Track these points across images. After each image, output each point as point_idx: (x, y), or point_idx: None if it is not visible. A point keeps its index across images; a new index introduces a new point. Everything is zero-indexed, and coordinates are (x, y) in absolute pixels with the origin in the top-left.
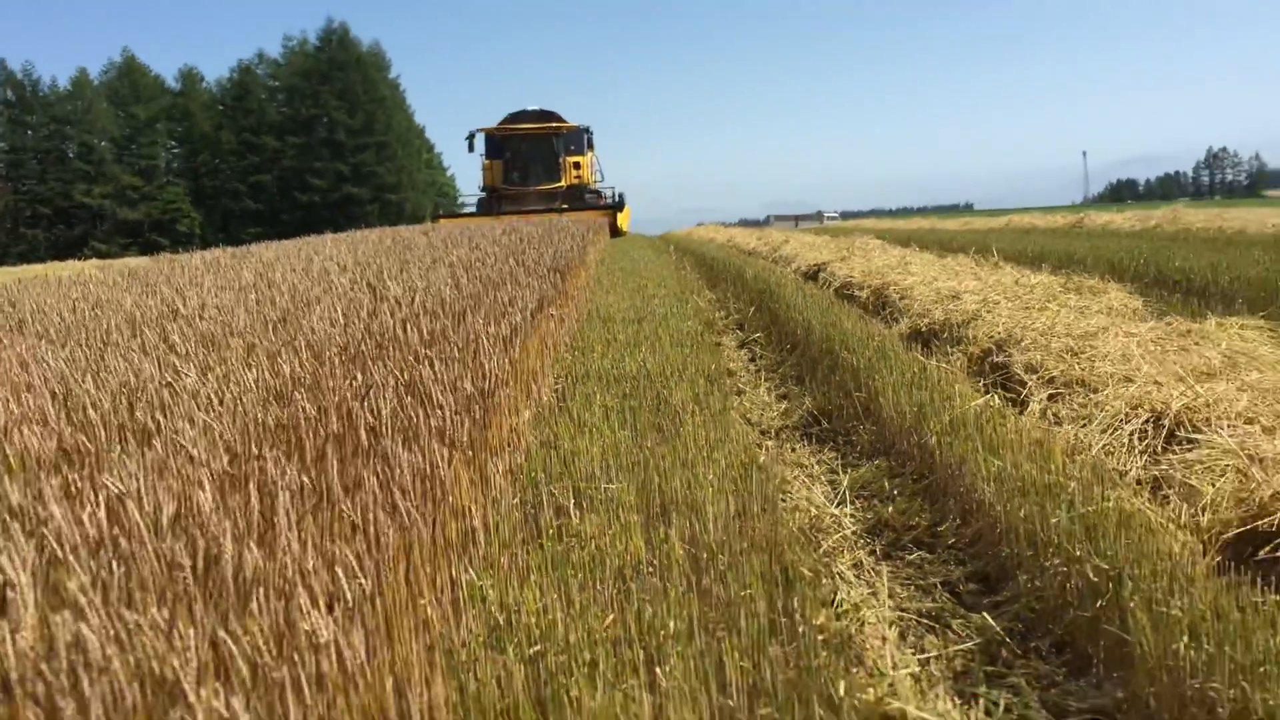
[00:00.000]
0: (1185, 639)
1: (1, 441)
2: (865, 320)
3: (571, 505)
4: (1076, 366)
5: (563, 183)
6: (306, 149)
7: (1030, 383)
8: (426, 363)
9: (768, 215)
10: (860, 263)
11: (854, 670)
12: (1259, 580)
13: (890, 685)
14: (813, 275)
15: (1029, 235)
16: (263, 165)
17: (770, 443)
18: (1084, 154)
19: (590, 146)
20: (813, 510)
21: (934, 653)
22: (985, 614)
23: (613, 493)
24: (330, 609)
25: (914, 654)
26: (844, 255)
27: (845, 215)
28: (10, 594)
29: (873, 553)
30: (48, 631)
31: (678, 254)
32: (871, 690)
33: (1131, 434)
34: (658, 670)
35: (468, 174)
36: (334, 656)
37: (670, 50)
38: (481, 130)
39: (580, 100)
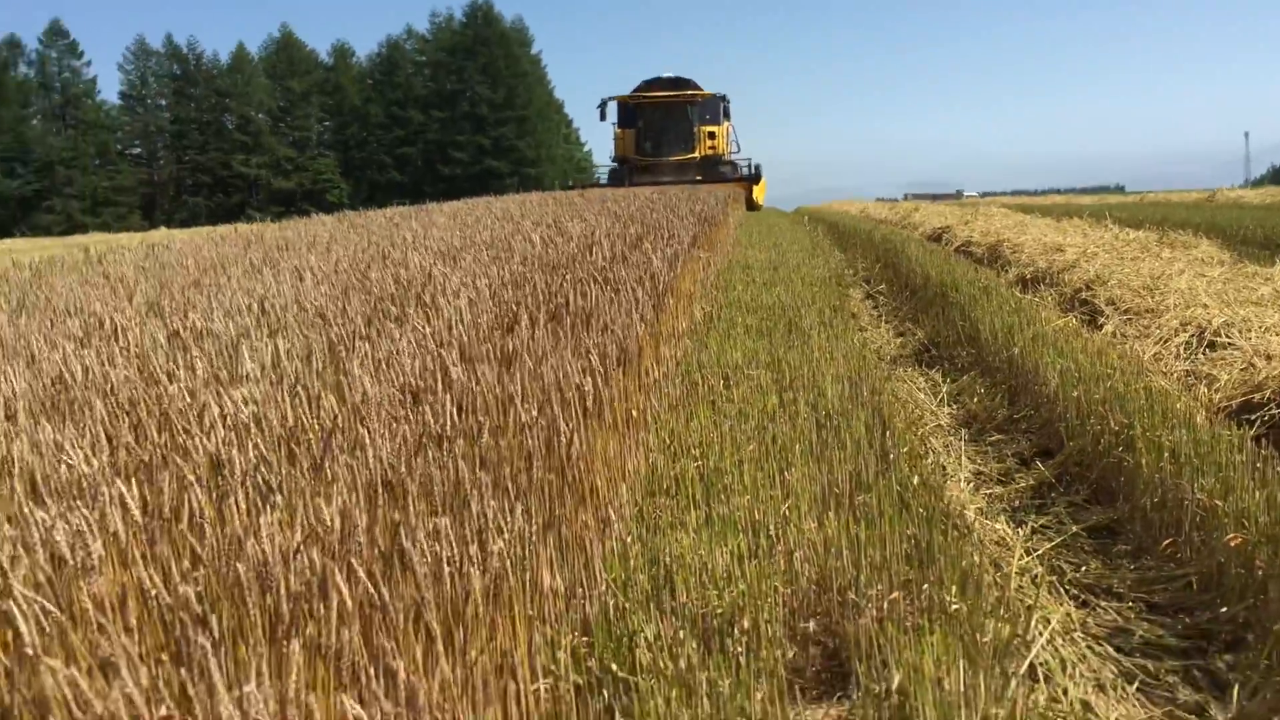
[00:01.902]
0: (1168, 456)
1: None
2: (977, 270)
3: (721, 384)
4: (1150, 299)
5: (697, 153)
6: (450, 123)
7: (1107, 311)
8: (615, 268)
9: (905, 193)
10: (981, 225)
11: (930, 483)
12: (1242, 429)
13: (959, 497)
14: (936, 237)
15: (1155, 207)
16: (408, 138)
17: (886, 365)
18: (1246, 135)
19: (726, 116)
20: (915, 408)
21: (996, 490)
22: (1040, 465)
23: (754, 376)
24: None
25: (981, 496)
26: (967, 220)
27: (985, 195)
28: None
29: (960, 437)
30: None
31: (811, 223)
32: (941, 495)
33: (1179, 344)
34: (786, 474)
35: (603, 146)
36: (590, 401)
37: (812, 19)
38: (614, 98)
39: (717, 69)
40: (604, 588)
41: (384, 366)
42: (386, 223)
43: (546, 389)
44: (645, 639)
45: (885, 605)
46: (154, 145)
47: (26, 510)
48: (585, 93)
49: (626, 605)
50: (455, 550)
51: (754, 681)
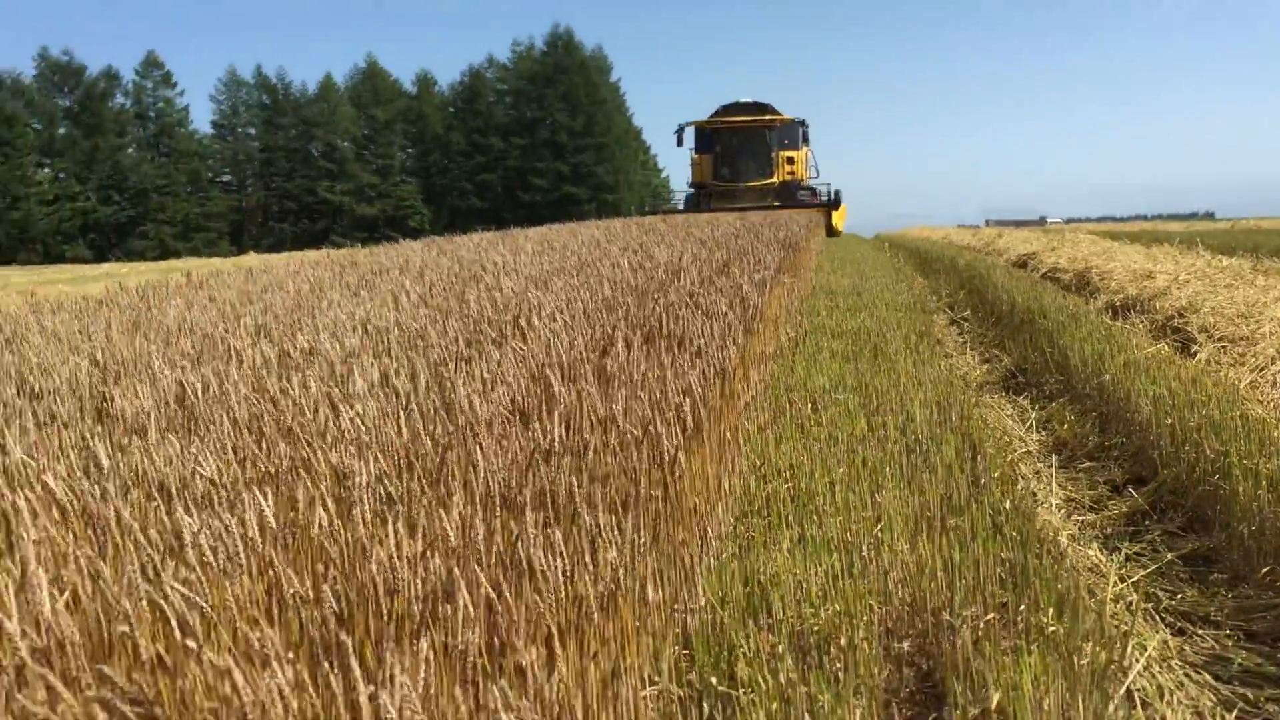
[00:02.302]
0: (1265, 484)
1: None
2: (1064, 297)
3: (808, 408)
4: (1245, 327)
5: (775, 179)
6: (530, 149)
7: (1200, 339)
8: (705, 292)
9: (986, 220)
10: (1068, 252)
11: (1022, 508)
12: None
13: (1051, 523)
14: (1021, 264)
15: (1247, 234)
16: (489, 165)
17: (973, 391)
18: None
19: (805, 141)
20: (1003, 433)
21: (1088, 518)
22: (1133, 492)
23: (841, 400)
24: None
25: (1073, 522)
26: (1053, 246)
27: (1070, 221)
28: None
29: (1049, 464)
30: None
31: (892, 249)
32: (1033, 520)
33: (1275, 372)
34: (878, 496)
35: (679, 172)
36: (689, 421)
37: (890, 43)
38: (691, 123)
39: (796, 93)
40: (704, 602)
41: (489, 386)
42: (474, 248)
43: (649, 408)
44: (744, 653)
45: (982, 626)
46: (243, 173)
47: (178, 516)
48: (663, 118)
49: (725, 620)
50: (568, 560)
51: (852, 699)
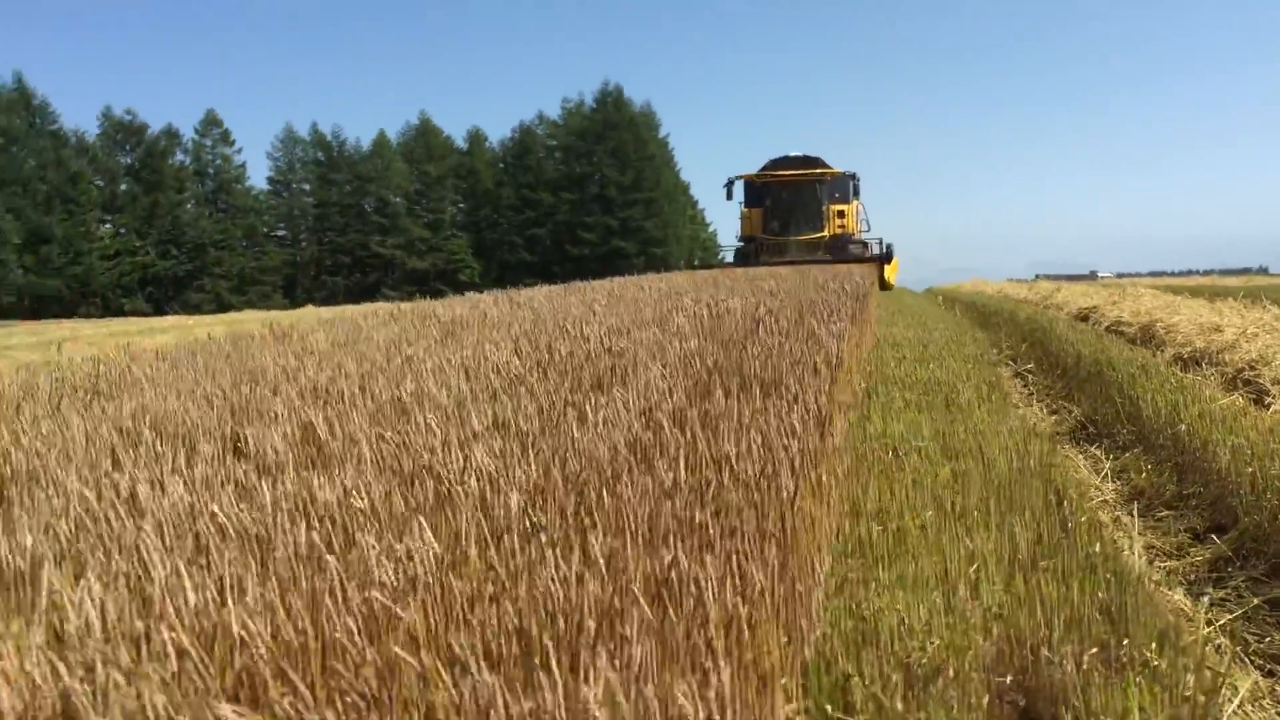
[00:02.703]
0: None
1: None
2: (1131, 350)
3: (890, 454)
4: None
5: (826, 232)
6: (579, 204)
7: (1273, 391)
8: (787, 343)
9: (1036, 274)
10: (1130, 306)
11: (1108, 561)
12: None
13: (1136, 566)
14: (1083, 317)
15: None
16: (538, 219)
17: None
18: None
19: (856, 194)
20: (1079, 483)
21: (1171, 564)
22: (1215, 540)
23: (920, 447)
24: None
25: (1156, 568)
26: (1114, 300)
27: (1121, 276)
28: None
29: (1129, 512)
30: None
31: (946, 303)
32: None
33: None
34: (969, 539)
35: (727, 227)
36: (797, 463)
37: (944, 98)
38: (741, 177)
39: (845, 147)
40: (818, 634)
41: (600, 427)
42: (545, 299)
43: (762, 449)
44: (860, 681)
45: (1085, 659)
46: (297, 227)
47: (361, 540)
48: (710, 172)
49: (837, 649)
50: (716, 584)
51: None
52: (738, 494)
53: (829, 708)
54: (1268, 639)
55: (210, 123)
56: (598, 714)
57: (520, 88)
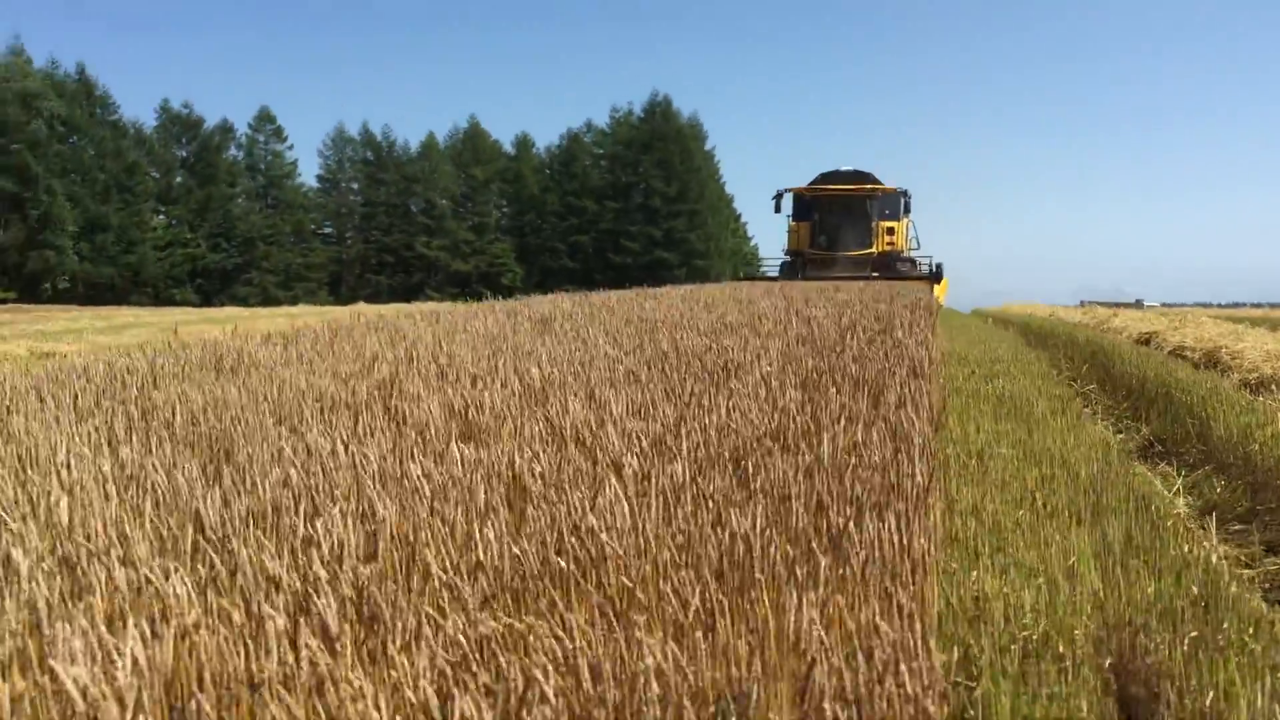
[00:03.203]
0: None
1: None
2: (1197, 373)
3: (974, 461)
4: None
5: (874, 249)
6: (623, 213)
7: None
8: (875, 351)
9: (1080, 300)
10: (1193, 331)
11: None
12: None
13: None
14: (1145, 341)
15: None
16: (582, 226)
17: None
18: None
19: (907, 211)
20: (1155, 494)
21: (1246, 573)
22: None
23: (1003, 454)
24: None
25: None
26: (1176, 326)
27: (1166, 305)
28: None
29: (1203, 526)
30: None
31: (998, 323)
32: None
33: None
34: (1061, 536)
35: (768, 240)
36: (918, 453)
37: (992, 120)
38: (790, 190)
39: (895, 164)
40: (934, 611)
41: (729, 414)
42: (619, 302)
43: (887, 439)
44: (980, 651)
45: (1186, 641)
46: (344, 226)
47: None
48: (753, 186)
49: (953, 627)
50: (877, 541)
51: (1076, 694)
52: (872, 475)
53: (956, 676)
54: None
55: (264, 119)
56: (820, 632)
57: (569, 96)
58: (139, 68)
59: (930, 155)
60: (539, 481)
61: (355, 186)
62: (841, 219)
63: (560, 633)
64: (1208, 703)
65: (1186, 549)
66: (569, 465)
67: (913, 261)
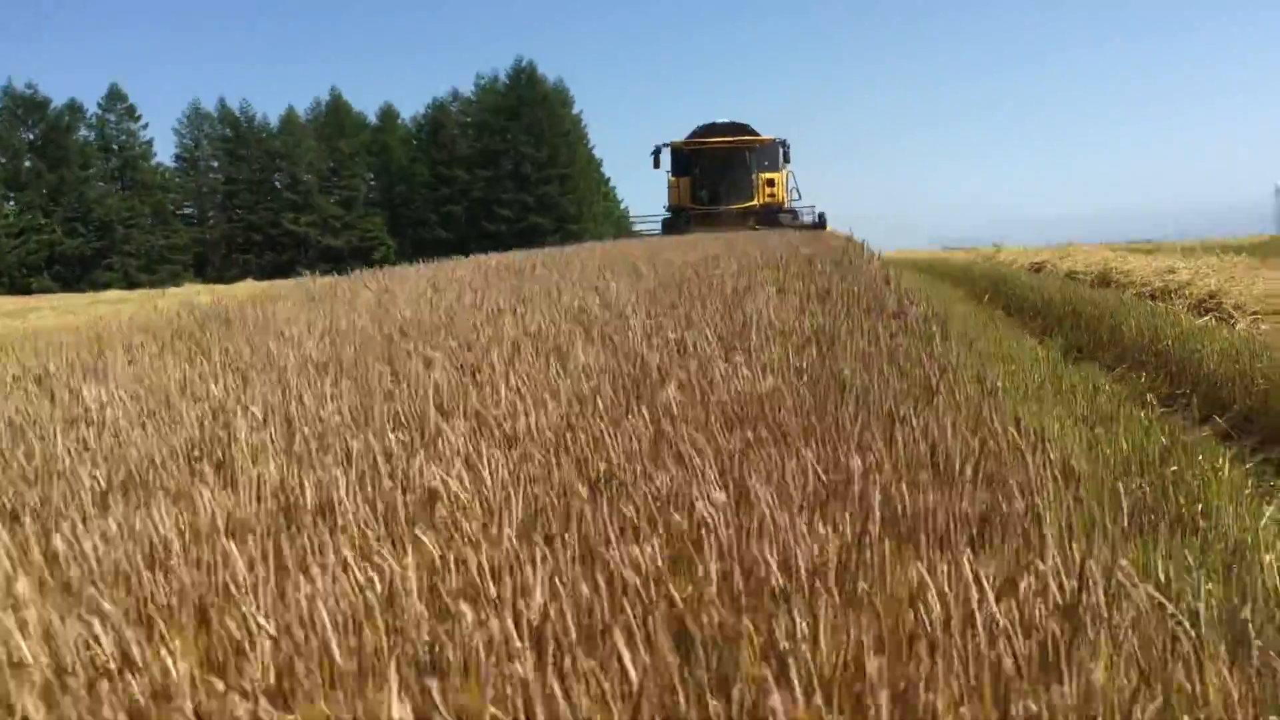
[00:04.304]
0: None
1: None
2: (1094, 291)
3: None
4: (1274, 305)
5: (756, 201)
6: (494, 181)
7: (1235, 315)
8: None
9: (943, 245)
10: (1082, 258)
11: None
12: None
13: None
14: (1037, 269)
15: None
16: (453, 196)
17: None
18: (1277, 188)
19: (786, 161)
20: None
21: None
22: (1218, 419)
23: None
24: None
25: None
26: (1062, 255)
27: (1025, 249)
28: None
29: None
30: None
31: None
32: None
33: None
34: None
35: (638, 200)
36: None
37: (867, 67)
38: (668, 145)
39: (772, 114)
40: None
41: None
42: (540, 263)
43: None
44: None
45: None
46: (206, 205)
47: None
48: (620, 148)
49: None
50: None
51: None
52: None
53: None
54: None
55: (115, 97)
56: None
57: (432, 65)
58: None
59: (808, 106)
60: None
61: (215, 165)
62: (722, 172)
63: None
64: None
65: (1143, 415)
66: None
67: (794, 213)
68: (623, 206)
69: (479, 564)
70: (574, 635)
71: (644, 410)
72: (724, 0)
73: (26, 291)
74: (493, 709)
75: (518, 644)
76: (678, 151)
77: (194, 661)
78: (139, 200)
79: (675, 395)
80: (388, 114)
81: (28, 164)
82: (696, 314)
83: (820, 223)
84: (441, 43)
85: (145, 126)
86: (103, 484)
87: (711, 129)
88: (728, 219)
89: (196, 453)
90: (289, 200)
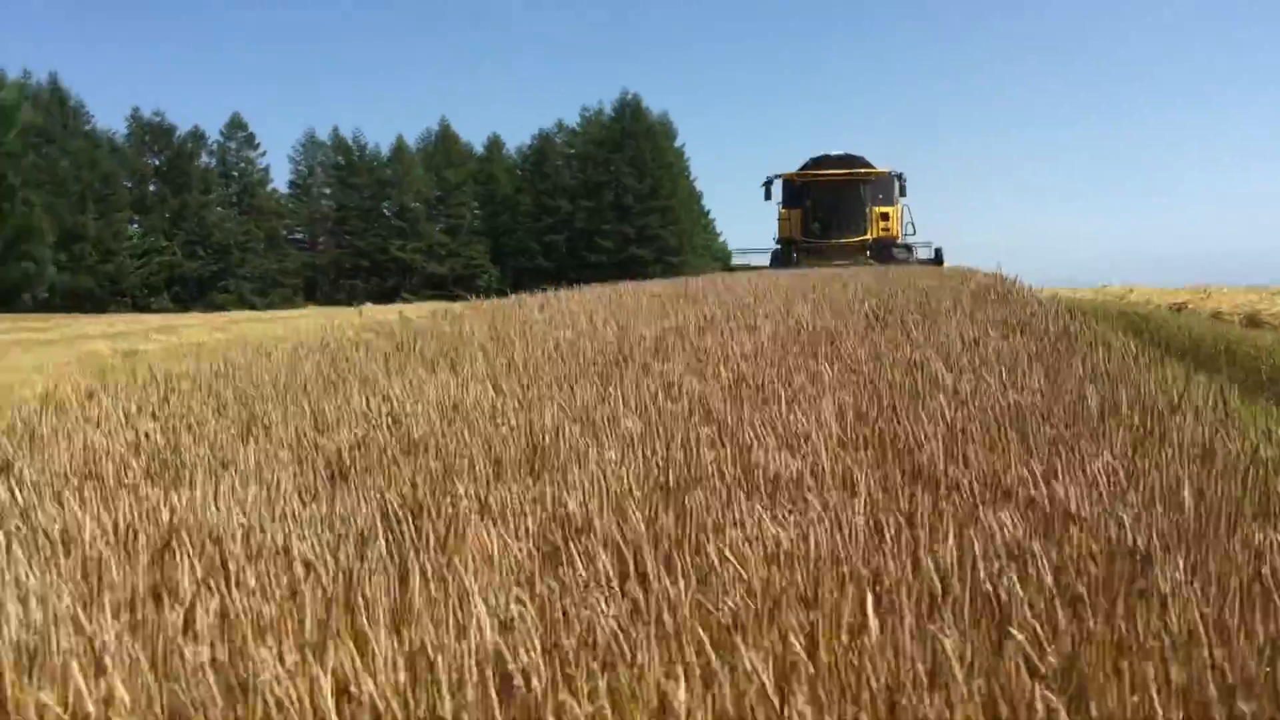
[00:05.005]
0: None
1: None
2: (1246, 331)
3: None
4: None
5: (869, 235)
6: (596, 212)
7: None
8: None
9: (1066, 284)
10: (1225, 299)
11: None
12: None
13: None
14: (1177, 309)
15: None
16: (555, 226)
17: None
18: None
19: (902, 194)
20: None
21: None
22: None
23: None
24: None
25: None
26: (1204, 296)
27: (1132, 288)
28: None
29: None
30: None
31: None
32: None
33: None
34: None
35: (737, 233)
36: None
37: (986, 100)
38: (780, 176)
39: (886, 146)
40: None
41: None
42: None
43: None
44: None
45: None
46: (317, 231)
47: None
48: (723, 180)
49: None
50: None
51: None
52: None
53: None
54: None
55: (235, 126)
56: None
57: (539, 96)
58: (110, 78)
59: (924, 138)
60: None
61: (327, 191)
62: (835, 204)
63: None
64: None
65: None
66: None
67: (908, 248)
68: (720, 239)
69: None
70: None
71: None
72: (837, 31)
73: (146, 310)
74: None
75: None
76: (790, 183)
77: None
78: (255, 225)
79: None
80: (494, 144)
81: (152, 189)
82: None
83: (937, 258)
84: (548, 76)
85: (263, 154)
86: None
87: (825, 160)
88: (839, 252)
89: None
90: (396, 227)
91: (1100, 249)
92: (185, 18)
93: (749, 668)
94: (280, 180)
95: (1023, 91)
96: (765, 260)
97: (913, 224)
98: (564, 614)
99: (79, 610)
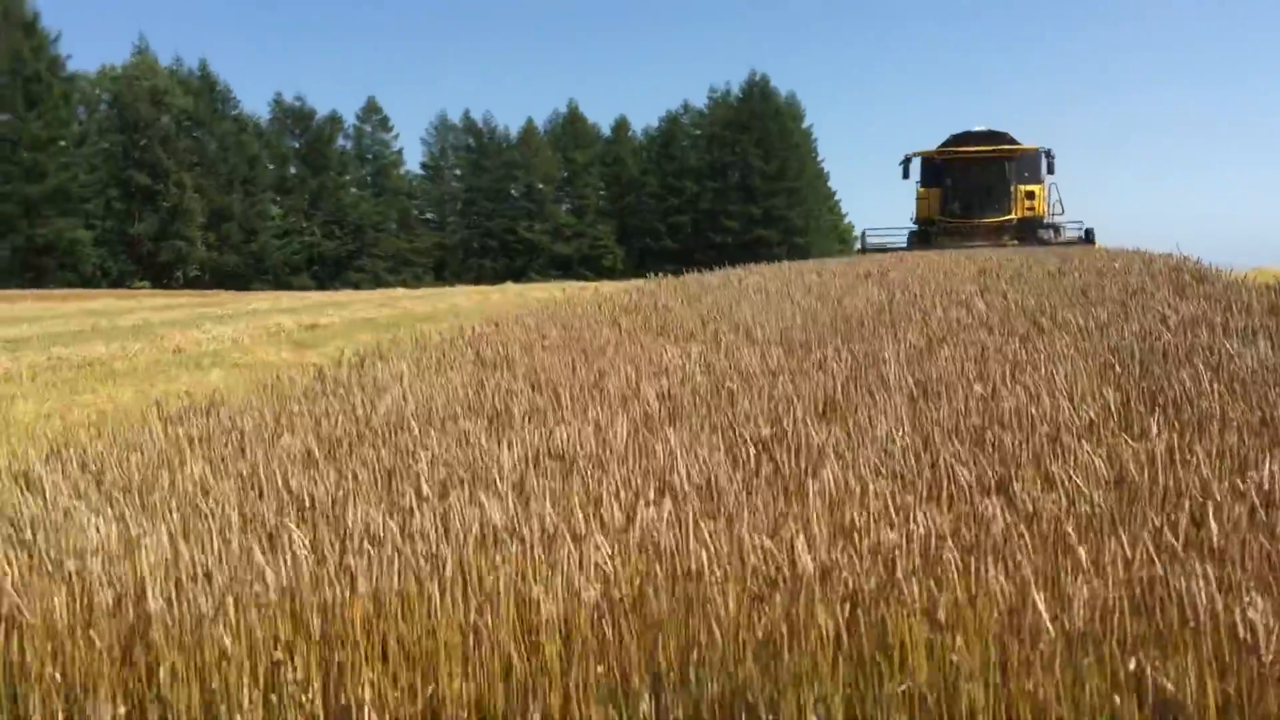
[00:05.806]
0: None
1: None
2: None
3: None
4: None
5: (1013, 215)
6: (722, 193)
7: None
8: None
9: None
10: None
11: None
12: None
13: None
14: None
15: None
16: (681, 207)
17: None
18: None
19: (1050, 172)
20: None
21: None
22: None
23: None
24: None
25: None
26: None
27: None
28: None
29: None
30: None
31: None
32: None
33: None
34: None
35: (862, 214)
36: None
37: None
38: (918, 154)
39: (1033, 121)
40: None
41: None
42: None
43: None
44: None
45: None
46: (446, 211)
47: None
48: (844, 161)
49: None
50: None
51: None
52: None
53: None
54: None
55: (371, 109)
56: None
57: (666, 78)
58: (254, 64)
59: (1074, 107)
60: None
61: (458, 173)
62: (976, 184)
63: None
64: None
65: None
66: None
67: (1056, 228)
68: (846, 220)
69: None
70: None
71: None
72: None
73: (288, 288)
74: None
75: None
76: (929, 161)
77: None
78: (388, 205)
79: None
80: (621, 126)
81: (293, 170)
82: None
83: (1088, 238)
84: (675, 57)
85: (396, 137)
86: None
87: (966, 137)
88: (980, 233)
89: None
90: (524, 208)
91: (1231, 226)
92: (325, 5)
93: None
94: (413, 162)
95: (1179, 57)
96: (897, 241)
97: (1060, 203)
98: None
99: None
